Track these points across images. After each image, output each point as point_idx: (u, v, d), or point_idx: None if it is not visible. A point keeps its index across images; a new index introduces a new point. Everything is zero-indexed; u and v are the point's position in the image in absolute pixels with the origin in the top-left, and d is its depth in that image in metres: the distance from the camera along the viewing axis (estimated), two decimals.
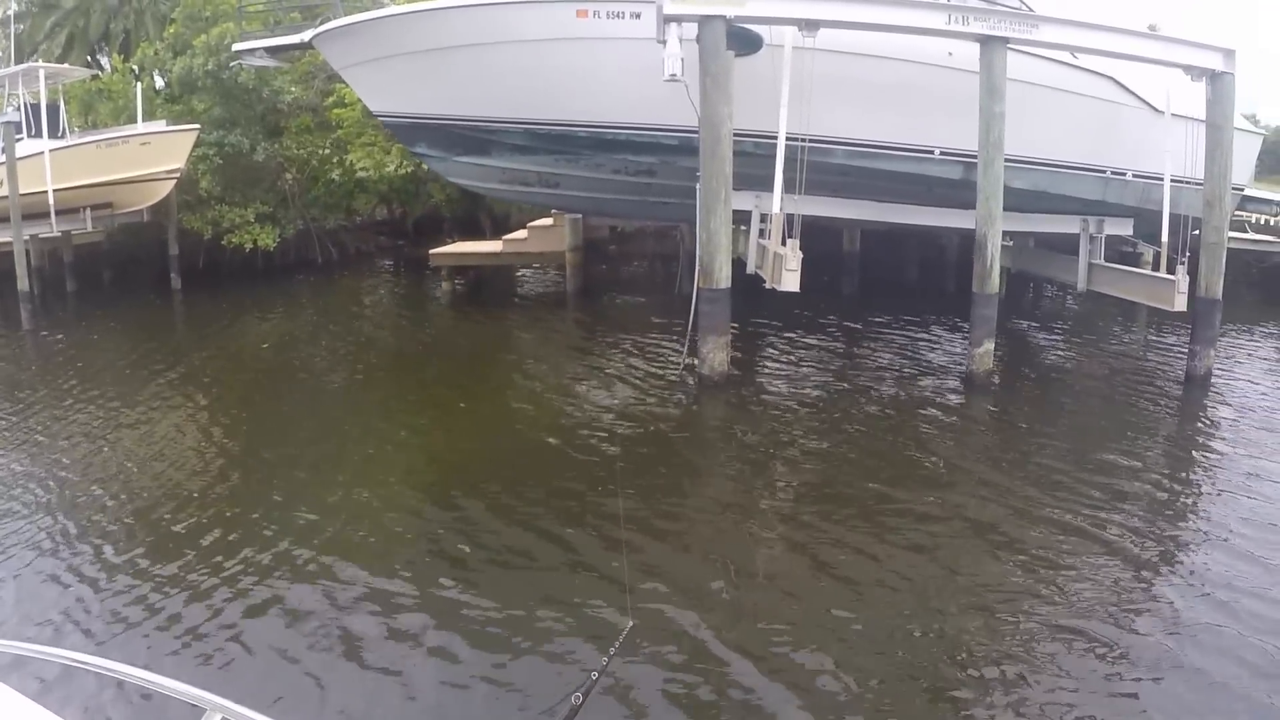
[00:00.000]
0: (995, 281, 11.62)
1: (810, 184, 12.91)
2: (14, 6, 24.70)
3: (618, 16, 11.69)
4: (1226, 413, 11.39)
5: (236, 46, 15.91)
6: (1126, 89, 13.08)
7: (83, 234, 19.93)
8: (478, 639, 5.77)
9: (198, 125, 18.85)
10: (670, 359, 13.16)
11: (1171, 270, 12.27)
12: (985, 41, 11.14)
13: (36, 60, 21.43)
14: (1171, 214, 12.41)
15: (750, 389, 12.08)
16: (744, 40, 11.42)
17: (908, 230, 15.80)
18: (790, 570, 6.87)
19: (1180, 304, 12.46)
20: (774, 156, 11.60)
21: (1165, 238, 12.60)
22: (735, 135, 11.75)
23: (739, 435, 10.26)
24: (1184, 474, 9.30)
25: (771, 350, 14.32)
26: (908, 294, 18.72)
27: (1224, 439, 10.28)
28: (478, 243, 19.93)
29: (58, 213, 17.93)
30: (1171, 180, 12.58)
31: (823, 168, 12.66)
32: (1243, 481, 8.66)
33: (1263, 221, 21.37)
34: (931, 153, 12.61)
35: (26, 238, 18.76)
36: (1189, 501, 8.55)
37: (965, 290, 19.04)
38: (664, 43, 10.72)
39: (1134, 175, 13.65)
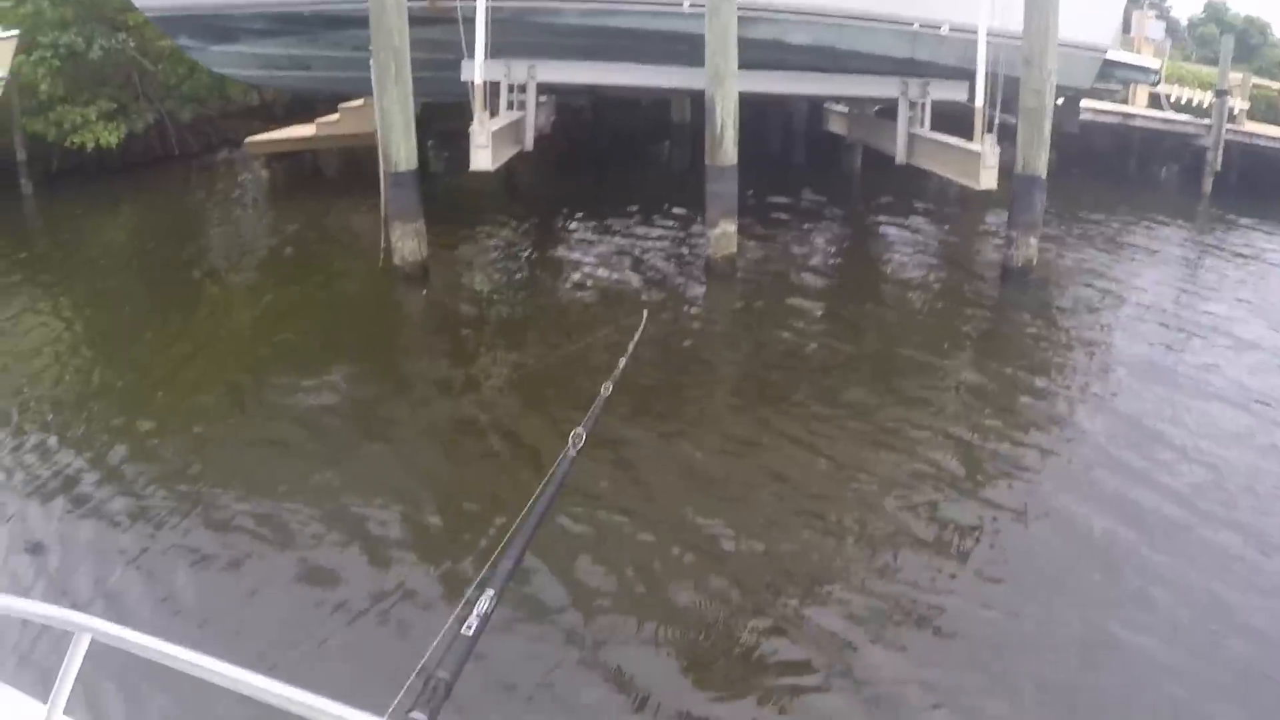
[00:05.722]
0: (731, 152, 9.95)
1: (553, 48, 11.40)
2: None
3: None
4: (1029, 318, 9.42)
5: None
6: None
7: None
8: None
9: (17, 31, 17.75)
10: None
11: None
12: None
13: None
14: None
15: (462, 278, 10.80)
16: None
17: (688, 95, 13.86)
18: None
19: (988, 181, 10.63)
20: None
21: (979, 102, 10.68)
22: None
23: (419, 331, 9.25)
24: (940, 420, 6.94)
25: (531, 234, 12.86)
26: (755, 167, 16.77)
27: (1024, 358, 8.38)
28: (293, 127, 18.34)
29: None
30: (993, 36, 10.55)
31: (557, 29, 11.06)
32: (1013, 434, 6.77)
33: (1174, 99, 18.52)
34: (680, 5, 10.77)
35: None
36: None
37: (814, 162, 17.13)
38: None
39: (952, 29, 11.53)
